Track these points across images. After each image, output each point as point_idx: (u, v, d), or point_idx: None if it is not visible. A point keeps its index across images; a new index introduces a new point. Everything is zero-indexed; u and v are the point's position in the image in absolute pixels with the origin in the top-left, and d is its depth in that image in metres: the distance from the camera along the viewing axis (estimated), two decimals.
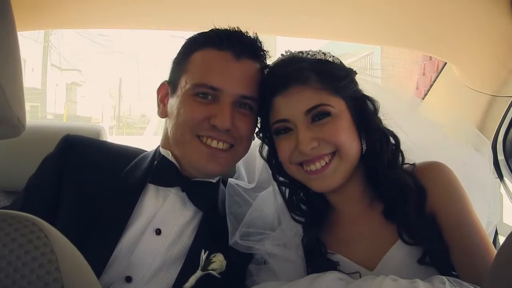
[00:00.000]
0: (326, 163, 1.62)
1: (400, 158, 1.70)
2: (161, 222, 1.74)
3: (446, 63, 2.80)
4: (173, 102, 1.80)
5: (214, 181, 1.89)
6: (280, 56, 1.77)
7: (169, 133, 1.80)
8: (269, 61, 1.86)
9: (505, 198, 2.51)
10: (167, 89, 1.87)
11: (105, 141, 2.20)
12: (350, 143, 1.63)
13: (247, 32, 1.81)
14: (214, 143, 1.73)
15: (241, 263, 1.82)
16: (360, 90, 1.72)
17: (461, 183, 1.64)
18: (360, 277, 1.57)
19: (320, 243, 1.72)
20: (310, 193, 1.81)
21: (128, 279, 1.66)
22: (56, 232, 0.92)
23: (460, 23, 2.22)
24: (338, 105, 1.62)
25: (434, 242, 1.56)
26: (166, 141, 1.84)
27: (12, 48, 0.95)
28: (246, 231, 1.81)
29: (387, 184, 1.65)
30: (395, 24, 2.42)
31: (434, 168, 1.67)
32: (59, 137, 1.85)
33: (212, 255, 1.68)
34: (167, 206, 1.77)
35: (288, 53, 1.75)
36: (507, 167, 2.57)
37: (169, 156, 1.81)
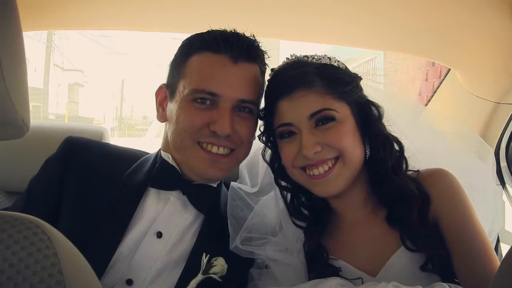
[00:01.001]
0: (329, 167, 1.61)
1: (404, 165, 1.69)
2: (162, 225, 1.74)
3: (449, 69, 2.80)
4: (172, 107, 1.79)
5: (215, 185, 1.89)
6: (285, 60, 1.75)
7: (169, 138, 1.80)
8: (272, 64, 1.84)
9: (507, 205, 2.51)
10: (165, 93, 1.86)
11: (107, 143, 2.19)
12: (354, 148, 1.62)
13: (244, 34, 1.79)
14: (214, 149, 1.73)
15: (243, 267, 1.82)
16: (364, 95, 1.71)
17: (465, 191, 1.63)
18: (362, 283, 1.56)
19: (321, 248, 1.71)
20: (312, 198, 1.80)
21: (129, 282, 1.66)
22: (59, 234, 0.91)
23: (464, 29, 2.21)
24: (342, 110, 1.62)
25: (436, 249, 1.56)
26: (166, 145, 1.84)
27: (18, 49, 0.95)
28: (247, 236, 1.80)
29: (391, 189, 1.64)
30: (398, 30, 2.42)
31: (439, 175, 1.66)
32: (62, 138, 1.86)
33: (214, 259, 1.67)
34: (168, 209, 1.77)
35: (293, 57, 1.74)
36: (509, 174, 2.57)
37: (170, 160, 1.81)
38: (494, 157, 2.06)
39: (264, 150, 1.86)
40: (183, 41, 1.86)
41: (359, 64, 11.42)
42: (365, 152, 1.67)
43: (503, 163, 2.60)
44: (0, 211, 0.92)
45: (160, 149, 1.90)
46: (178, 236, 1.76)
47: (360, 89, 1.71)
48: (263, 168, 1.96)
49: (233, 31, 1.79)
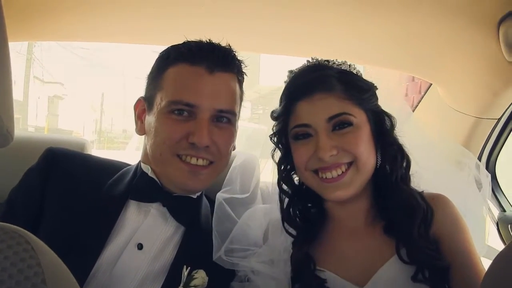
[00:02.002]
0: (342, 172, 1.61)
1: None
2: (143, 237, 1.72)
3: (431, 84, 2.83)
4: (150, 120, 1.78)
5: (195, 196, 1.88)
6: (306, 63, 1.77)
7: (148, 150, 1.79)
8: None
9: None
10: (143, 105, 1.85)
11: (89, 154, 2.17)
12: (368, 155, 1.63)
13: (219, 44, 1.79)
14: (193, 160, 1.73)
15: (224, 280, 1.80)
16: (379, 105, 1.72)
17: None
18: None
19: (309, 259, 1.70)
20: (309, 206, 1.81)
21: None
22: (43, 245, 0.90)
23: (445, 45, 2.24)
24: (360, 116, 1.63)
25: (432, 263, 1.56)
26: (146, 157, 1.83)
27: (4, 60, 0.94)
28: (230, 248, 1.78)
29: (397, 199, 1.65)
30: (380, 45, 2.44)
31: (443, 201, 1.68)
32: (44, 149, 1.83)
33: (194, 271, 1.65)
34: (148, 221, 1.75)
35: (314, 60, 1.75)
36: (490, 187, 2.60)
37: (149, 172, 1.79)
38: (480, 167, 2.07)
39: (273, 150, 1.84)
40: (160, 54, 1.86)
41: None
42: (377, 161, 1.68)
43: (484, 181, 2.63)
44: None
45: (140, 160, 1.88)
46: (158, 248, 1.73)
47: (376, 98, 1.72)
48: (258, 174, 1.96)
49: (208, 41, 1.79)
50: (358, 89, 1.65)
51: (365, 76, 1.75)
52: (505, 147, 2.63)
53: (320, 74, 1.66)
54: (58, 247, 1.05)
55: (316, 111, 1.62)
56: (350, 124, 1.61)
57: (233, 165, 1.96)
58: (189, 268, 1.65)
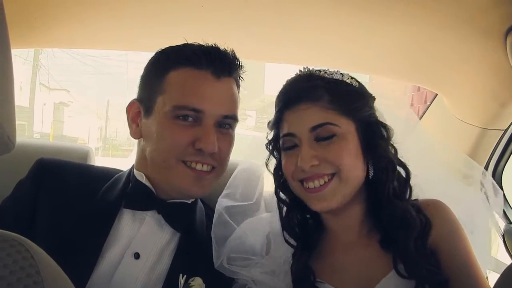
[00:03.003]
0: (325, 182, 1.59)
1: (408, 192, 1.67)
2: (139, 246, 1.70)
3: (437, 94, 2.81)
4: (149, 124, 1.74)
5: (189, 201, 1.85)
6: (298, 72, 1.75)
7: (147, 156, 1.75)
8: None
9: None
10: (138, 108, 1.80)
11: (80, 163, 2.12)
12: (353, 166, 1.60)
13: (225, 49, 1.77)
14: (199, 166, 1.70)
15: (222, 287, 1.78)
16: (375, 115, 1.69)
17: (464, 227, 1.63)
18: None
19: (309, 270, 1.68)
20: (307, 216, 1.79)
21: None
22: (43, 253, 0.90)
23: (452, 55, 2.23)
24: (346, 127, 1.60)
25: (432, 278, 1.52)
26: (141, 163, 1.80)
27: (6, 65, 0.93)
28: (229, 256, 1.77)
29: (391, 213, 1.61)
30: (385, 55, 2.44)
31: (439, 206, 1.64)
32: (48, 156, 1.83)
33: (191, 279, 1.64)
34: (144, 229, 1.73)
35: (306, 70, 1.73)
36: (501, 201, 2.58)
37: (144, 180, 1.76)
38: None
39: (267, 159, 1.84)
40: (156, 54, 1.83)
41: None
42: (368, 172, 1.65)
43: (490, 192, 2.61)
44: None
45: (132, 166, 1.86)
46: (155, 256, 1.71)
47: (371, 108, 1.69)
48: (262, 182, 1.97)
49: (214, 45, 1.76)
50: (346, 99, 1.63)
51: (370, 86, 1.73)
52: None
53: (309, 85, 1.64)
54: (54, 258, 1.04)
55: (300, 121, 1.61)
56: (334, 134, 1.59)
57: (236, 171, 1.96)
58: (185, 276, 1.63)
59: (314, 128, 1.59)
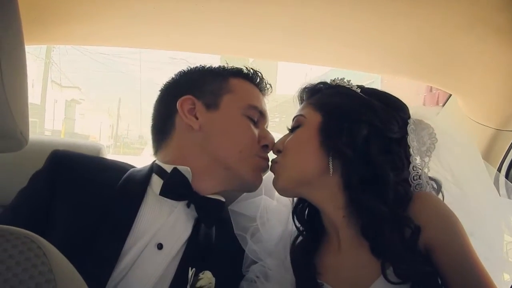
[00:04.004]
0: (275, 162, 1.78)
1: (392, 195, 1.58)
2: (164, 237, 1.70)
3: (450, 95, 2.80)
4: (215, 117, 1.86)
5: (224, 199, 1.90)
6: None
7: (213, 149, 1.84)
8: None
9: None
10: (193, 104, 1.88)
11: (95, 156, 2.18)
12: (297, 154, 1.70)
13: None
14: (264, 161, 1.89)
15: (233, 281, 1.79)
16: (373, 120, 1.66)
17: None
18: None
19: (312, 267, 1.68)
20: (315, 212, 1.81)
21: None
22: (55, 250, 0.90)
23: (465, 54, 2.21)
24: (311, 117, 1.71)
25: (426, 280, 1.48)
26: (185, 155, 1.85)
27: (20, 62, 0.94)
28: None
29: (366, 224, 1.59)
30: (398, 54, 2.42)
31: (425, 200, 1.59)
32: None
33: (201, 273, 1.64)
34: (171, 220, 1.74)
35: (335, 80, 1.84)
36: None
37: (186, 172, 1.80)
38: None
39: None
40: (203, 66, 2.02)
41: None
42: (329, 167, 1.64)
43: (502, 191, 2.59)
44: None
45: (154, 162, 1.91)
46: (177, 249, 1.72)
47: (358, 104, 1.70)
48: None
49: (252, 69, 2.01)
50: (323, 95, 1.77)
51: (381, 87, 1.76)
52: None
53: (310, 87, 1.84)
54: (74, 255, 1.04)
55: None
56: (299, 125, 1.73)
57: None
58: (193, 269, 1.63)
59: (292, 120, 1.77)
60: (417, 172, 1.68)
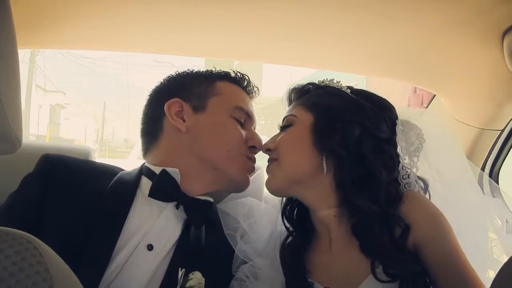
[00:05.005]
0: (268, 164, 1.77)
1: (384, 196, 1.61)
2: (154, 238, 1.71)
3: (434, 95, 2.83)
4: (203, 119, 1.88)
5: (212, 200, 1.91)
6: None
7: (201, 150, 1.86)
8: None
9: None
10: (181, 106, 1.90)
11: (86, 159, 2.17)
12: (292, 152, 1.70)
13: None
14: (251, 162, 1.91)
15: (222, 281, 1.80)
16: (349, 112, 1.70)
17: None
18: None
19: (302, 267, 1.70)
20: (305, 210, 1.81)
21: None
22: (50, 250, 0.91)
23: (449, 55, 2.25)
24: (303, 117, 1.71)
25: (415, 278, 1.50)
26: (172, 157, 1.87)
27: (13, 65, 0.95)
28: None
29: (357, 221, 1.61)
30: (383, 55, 2.45)
31: (414, 199, 1.62)
32: None
33: (190, 273, 1.65)
34: (161, 221, 1.75)
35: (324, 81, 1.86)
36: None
37: (174, 173, 1.81)
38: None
39: None
40: (190, 70, 2.04)
41: None
42: (322, 166, 1.65)
43: (486, 189, 2.62)
44: None
45: (143, 164, 1.93)
46: (167, 249, 1.73)
47: (343, 103, 1.73)
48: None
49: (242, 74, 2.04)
50: (312, 94, 1.79)
51: (367, 88, 1.78)
52: (508, 159, 2.63)
53: (299, 87, 1.85)
54: (67, 256, 1.05)
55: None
56: (291, 124, 1.74)
57: None
58: (183, 270, 1.65)
59: (282, 120, 1.78)
60: (406, 172, 1.71)
